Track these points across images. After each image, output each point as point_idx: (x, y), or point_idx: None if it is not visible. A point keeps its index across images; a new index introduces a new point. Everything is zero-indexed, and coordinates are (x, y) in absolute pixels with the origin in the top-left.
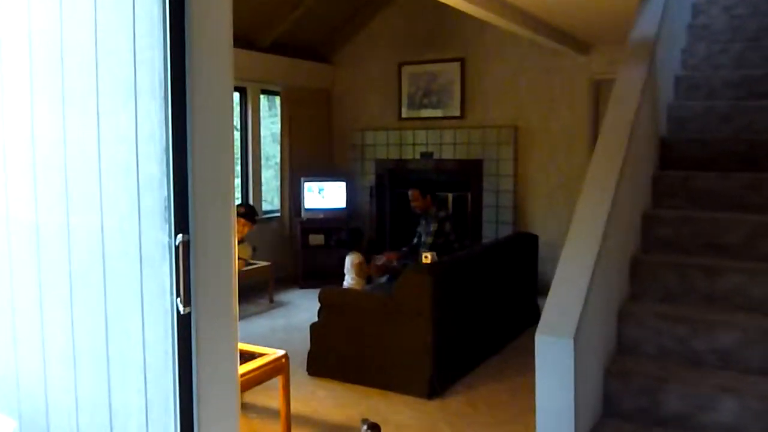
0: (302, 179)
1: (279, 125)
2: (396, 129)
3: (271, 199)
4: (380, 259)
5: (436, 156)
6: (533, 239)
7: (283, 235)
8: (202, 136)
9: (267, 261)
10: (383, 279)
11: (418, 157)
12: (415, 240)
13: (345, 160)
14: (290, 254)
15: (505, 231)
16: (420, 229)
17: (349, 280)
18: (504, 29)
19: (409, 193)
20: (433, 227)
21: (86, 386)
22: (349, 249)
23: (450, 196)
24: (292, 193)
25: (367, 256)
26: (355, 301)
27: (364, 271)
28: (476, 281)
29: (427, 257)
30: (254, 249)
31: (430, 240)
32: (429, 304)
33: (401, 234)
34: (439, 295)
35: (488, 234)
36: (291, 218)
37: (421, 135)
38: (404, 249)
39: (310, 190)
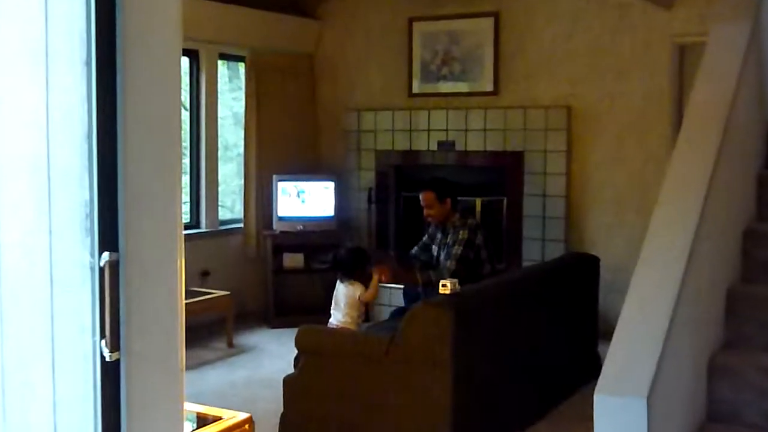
0: (275, 177)
1: (243, 103)
2: (404, 109)
3: (231, 205)
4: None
5: (459, 147)
6: (593, 263)
7: (248, 254)
8: (138, 117)
9: (225, 291)
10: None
11: (434, 148)
12: (415, 251)
13: (334, 151)
14: (257, 281)
15: (554, 251)
16: (434, 244)
17: (339, 317)
18: None
19: (421, 196)
20: (455, 241)
21: None
22: (346, 275)
23: (478, 202)
24: (260, 197)
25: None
26: (347, 346)
27: (366, 298)
28: (514, 320)
29: (445, 285)
30: (205, 274)
31: (452, 263)
32: (448, 351)
33: (411, 245)
34: (462, 339)
35: (530, 255)
36: (259, 231)
37: (439, 118)
38: (414, 252)
39: (285, 192)
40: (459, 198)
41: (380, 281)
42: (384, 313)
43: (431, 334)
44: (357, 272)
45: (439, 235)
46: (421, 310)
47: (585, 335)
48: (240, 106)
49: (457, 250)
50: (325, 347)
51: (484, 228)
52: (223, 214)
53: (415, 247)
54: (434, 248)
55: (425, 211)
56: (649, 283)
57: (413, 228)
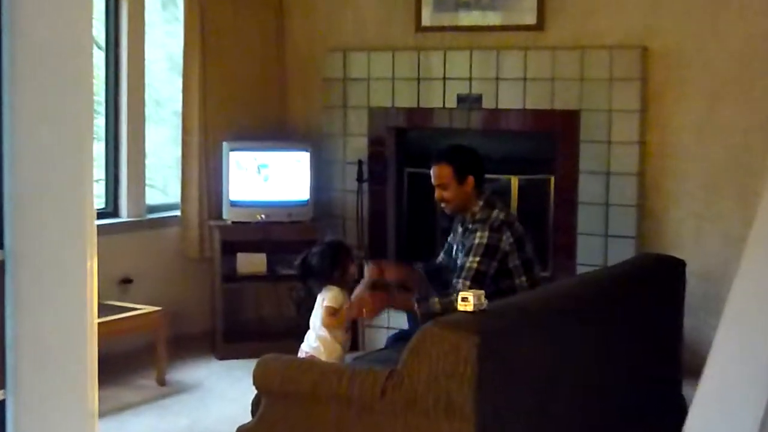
0: (226, 146)
1: (182, 41)
2: (410, 50)
3: (163, 185)
4: (365, 281)
5: (487, 103)
6: (676, 269)
7: (187, 254)
8: (29, 63)
9: (154, 306)
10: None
11: (452, 104)
12: (441, 258)
13: (310, 109)
14: (200, 293)
15: (622, 252)
16: (453, 241)
17: (313, 342)
18: None
19: (433, 171)
20: (469, 249)
21: None
22: (321, 281)
23: (513, 182)
24: (205, 174)
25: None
26: (326, 385)
27: (323, 319)
28: (564, 349)
29: (466, 300)
30: (127, 281)
31: (473, 262)
32: (470, 394)
33: (422, 250)
34: (490, 376)
35: (588, 258)
36: (203, 222)
37: (460, 62)
38: (419, 264)
39: (241, 166)
40: (485, 176)
41: (358, 316)
42: (380, 339)
43: (446, 368)
44: (336, 273)
45: (459, 229)
46: (432, 335)
47: (664, 370)
48: (177, 46)
49: (471, 262)
50: (294, 386)
51: (522, 220)
52: (153, 198)
53: (441, 255)
54: (453, 253)
55: (437, 193)
56: (752, 304)
57: (421, 218)
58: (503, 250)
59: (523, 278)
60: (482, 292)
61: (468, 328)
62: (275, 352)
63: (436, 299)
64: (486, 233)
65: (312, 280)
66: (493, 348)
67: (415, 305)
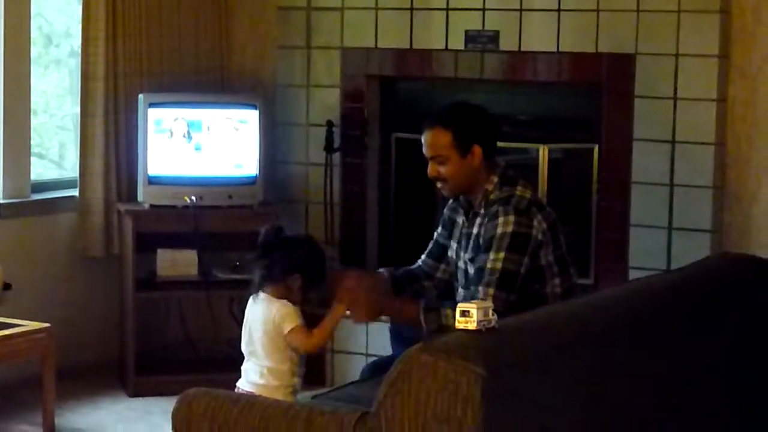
0: (143, 99)
1: None
2: None
3: (58, 154)
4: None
5: (506, 44)
6: (765, 273)
7: (87, 250)
8: None
9: (40, 322)
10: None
11: (458, 45)
12: (422, 263)
13: (260, 50)
14: (104, 304)
15: (692, 251)
16: (447, 238)
17: (257, 377)
18: None
19: (424, 138)
20: (489, 242)
21: None
22: (263, 283)
23: (542, 152)
24: (114, 139)
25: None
26: (270, 431)
27: (301, 343)
28: (607, 384)
29: (468, 314)
30: (4, 287)
31: (496, 260)
32: None
33: (415, 247)
34: (500, 421)
35: (645, 257)
36: (109, 206)
37: None
38: (400, 271)
39: (162, 129)
40: (502, 145)
41: (344, 315)
42: (353, 370)
43: (438, 412)
44: (285, 273)
45: (460, 221)
46: (419, 364)
47: (760, 407)
48: None
49: (493, 261)
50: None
51: (553, 207)
52: (43, 171)
53: (423, 258)
54: (452, 253)
55: (431, 168)
56: None
57: (415, 202)
58: (536, 240)
59: (557, 281)
60: (489, 304)
61: (470, 355)
62: (199, 388)
63: (449, 310)
64: (511, 217)
65: (273, 267)
66: (505, 384)
67: (422, 316)
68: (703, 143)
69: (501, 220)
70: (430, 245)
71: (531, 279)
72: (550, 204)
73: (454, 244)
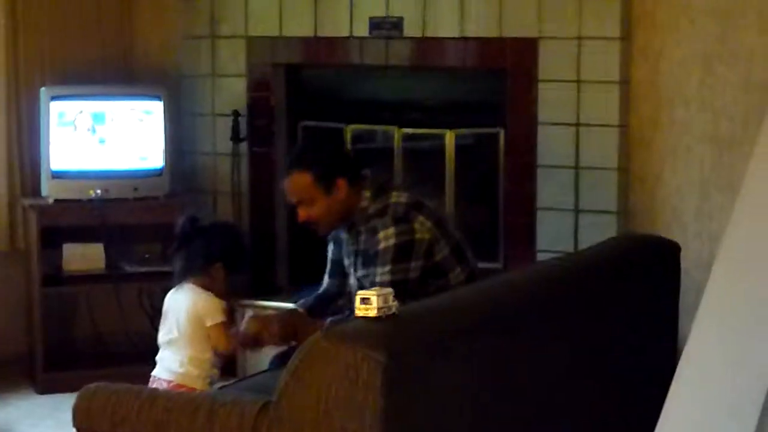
0: (45, 92)
1: None
2: None
3: None
4: (248, 320)
5: (411, 30)
6: (666, 253)
7: None
8: None
9: None
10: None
11: (362, 32)
12: (327, 284)
13: (164, 40)
14: (11, 300)
15: (599, 233)
16: (339, 254)
17: (172, 364)
18: None
19: (286, 184)
20: (374, 258)
21: None
22: (185, 274)
23: (449, 137)
24: (16, 132)
25: (234, 301)
26: (174, 425)
27: (219, 343)
28: (511, 366)
29: (367, 301)
30: None
31: (383, 275)
32: (374, 429)
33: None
34: (402, 406)
35: (552, 240)
36: (13, 200)
37: None
38: (311, 300)
39: (66, 121)
40: (410, 131)
41: (257, 341)
42: (262, 361)
43: (340, 398)
44: (205, 262)
45: (344, 236)
46: (320, 351)
47: (654, 385)
48: None
49: (381, 275)
50: (130, 428)
51: (462, 191)
52: None
53: (326, 280)
54: (347, 269)
55: (301, 213)
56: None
57: None
58: (424, 241)
59: (458, 270)
60: (390, 291)
61: (370, 341)
62: (103, 382)
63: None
64: (391, 229)
65: (193, 258)
66: (406, 369)
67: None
68: (607, 125)
69: (381, 234)
70: (328, 265)
71: (432, 276)
72: (459, 187)
73: (347, 261)
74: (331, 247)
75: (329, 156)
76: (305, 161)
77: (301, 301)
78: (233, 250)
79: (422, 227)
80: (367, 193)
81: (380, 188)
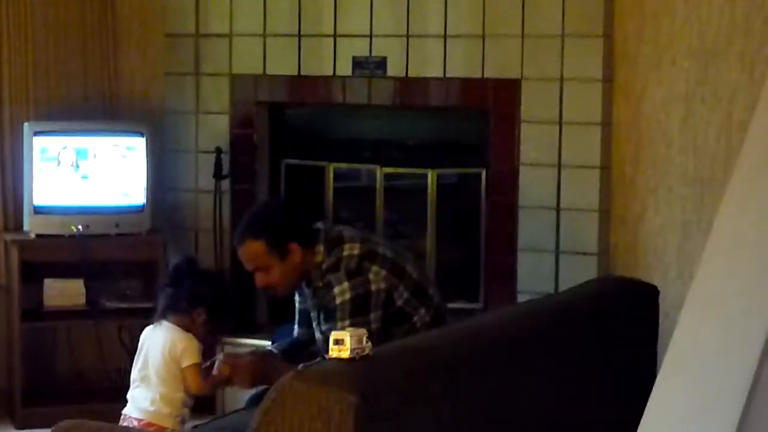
0: (28, 128)
1: None
2: None
3: None
4: (219, 362)
5: (394, 70)
6: (644, 296)
7: None
8: None
9: None
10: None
11: (346, 71)
12: (297, 332)
13: (148, 77)
14: None
15: (579, 274)
16: (305, 305)
17: (144, 402)
18: None
19: (240, 254)
20: (331, 313)
21: None
22: (167, 312)
23: (431, 177)
24: (0, 168)
25: (211, 342)
26: None
27: (193, 384)
28: (486, 408)
29: (341, 342)
30: None
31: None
32: None
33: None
34: None
35: (533, 281)
36: None
37: (355, 11)
38: (285, 344)
39: (49, 157)
40: (390, 171)
41: (229, 382)
42: (240, 398)
43: None
44: (190, 305)
45: (307, 290)
46: (292, 392)
47: (633, 428)
48: None
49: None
50: None
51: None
52: None
53: (296, 328)
54: (314, 321)
55: (259, 280)
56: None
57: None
58: (381, 290)
59: (422, 312)
60: (363, 331)
61: (342, 382)
62: (90, 418)
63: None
64: (345, 284)
65: (180, 297)
66: (380, 410)
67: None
68: (588, 167)
69: (337, 290)
70: (297, 315)
71: (396, 323)
72: (439, 227)
73: (312, 313)
74: (297, 298)
75: (279, 223)
76: (256, 230)
77: (276, 344)
78: (221, 301)
79: (377, 277)
80: (320, 248)
81: (332, 242)
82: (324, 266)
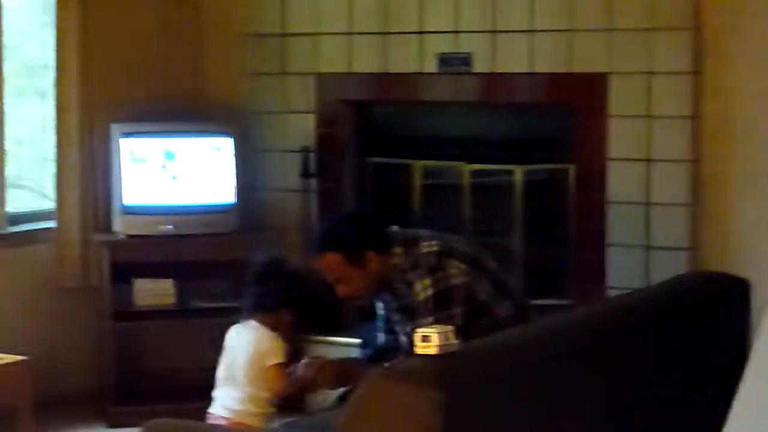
0: (115, 129)
1: None
2: None
3: (39, 184)
4: (304, 364)
5: (480, 66)
6: (735, 291)
7: (65, 281)
8: None
9: (17, 355)
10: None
11: (431, 68)
12: (383, 339)
13: (234, 77)
14: (83, 335)
15: (670, 269)
16: (386, 311)
17: (235, 403)
18: None
19: (318, 265)
20: (413, 311)
21: None
22: (254, 311)
23: (518, 174)
24: (89, 169)
25: (297, 343)
26: None
27: (276, 384)
28: (573, 404)
29: (428, 339)
30: None
31: (427, 326)
32: None
33: None
34: None
35: (623, 277)
36: (85, 236)
37: (441, 8)
38: (371, 351)
39: (137, 158)
40: (477, 167)
41: (313, 384)
42: (330, 397)
43: None
44: (277, 304)
45: (388, 297)
46: (379, 389)
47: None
48: None
49: (426, 326)
50: None
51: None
52: (26, 203)
53: (381, 336)
54: (398, 325)
55: (339, 291)
56: None
57: (393, 224)
58: (462, 285)
59: (505, 304)
60: (450, 327)
61: (427, 379)
62: (177, 417)
63: None
64: (427, 280)
65: (267, 297)
66: (466, 407)
67: None
68: (678, 161)
69: (418, 287)
70: (381, 322)
71: (480, 315)
72: (526, 223)
73: (396, 317)
74: (379, 305)
75: (353, 233)
76: (331, 243)
77: (362, 351)
78: (307, 301)
79: (458, 271)
80: (397, 250)
81: (409, 242)
82: (403, 267)
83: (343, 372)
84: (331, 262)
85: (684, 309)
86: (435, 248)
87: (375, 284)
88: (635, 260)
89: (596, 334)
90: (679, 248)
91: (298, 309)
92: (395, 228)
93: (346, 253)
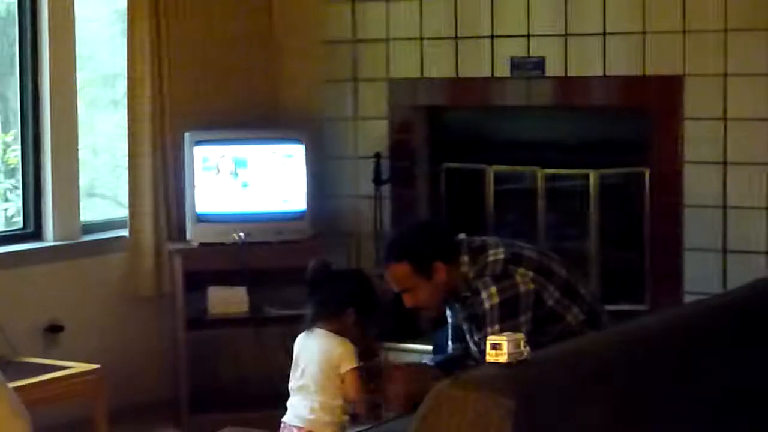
0: (189, 137)
1: None
2: None
3: (113, 193)
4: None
5: (553, 69)
6: None
7: (139, 289)
8: None
9: (92, 363)
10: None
11: (503, 72)
12: (453, 348)
13: (306, 84)
14: (156, 343)
15: (749, 274)
16: (455, 320)
17: (303, 410)
18: None
19: (386, 275)
20: (481, 320)
21: None
22: (320, 316)
23: (592, 177)
24: (162, 178)
25: (371, 347)
26: None
27: (351, 390)
28: (650, 415)
29: (498, 347)
30: (55, 329)
31: (494, 334)
32: None
33: None
34: None
35: (700, 281)
36: (159, 245)
37: (512, 12)
38: (440, 358)
39: (210, 166)
40: (551, 171)
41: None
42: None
43: None
44: (338, 308)
45: (456, 305)
46: (449, 398)
47: None
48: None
49: (493, 334)
50: None
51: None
52: (102, 212)
53: (450, 344)
54: (467, 334)
55: (407, 301)
56: None
57: (465, 230)
58: (529, 292)
59: (575, 310)
60: (521, 335)
61: (500, 387)
62: (253, 425)
63: None
64: (493, 288)
65: (326, 303)
66: (538, 415)
67: None
68: (755, 164)
69: (484, 295)
70: (450, 330)
71: (549, 322)
72: (602, 227)
73: (465, 326)
74: (449, 313)
75: (423, 244)
76: (400, 252)
77: (432, 357)
78: (363, 296)
79: (524, 279)
80: (464, 259)
81: (476, 250)
82: (470, 275)
83: (413, 380)
84: (398, 273)
85: (762, 314)
86: (501, 256)
87: (442, 294)
88: (712, 264)
89: (671, 341)
90: (757, 252)
91: (359, 307)
92: (463, 236)
93: (414, 264)
